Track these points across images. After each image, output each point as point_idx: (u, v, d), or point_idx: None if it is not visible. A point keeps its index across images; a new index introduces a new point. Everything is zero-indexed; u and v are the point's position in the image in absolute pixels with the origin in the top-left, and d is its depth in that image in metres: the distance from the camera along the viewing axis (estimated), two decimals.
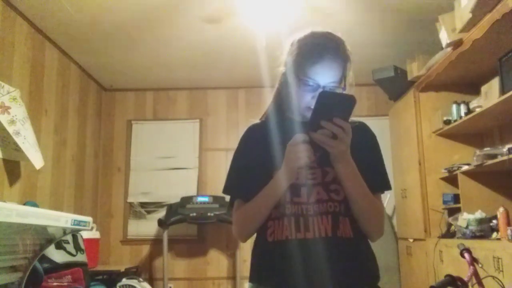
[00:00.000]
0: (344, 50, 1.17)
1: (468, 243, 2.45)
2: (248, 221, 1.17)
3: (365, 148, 1.19)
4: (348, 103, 1.01)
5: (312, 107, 1.04)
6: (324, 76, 1.11)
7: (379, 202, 1.18)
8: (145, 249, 4.82)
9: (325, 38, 1.16)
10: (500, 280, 2.15)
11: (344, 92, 1.13)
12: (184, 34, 3.70)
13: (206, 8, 3.28)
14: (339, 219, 1.10)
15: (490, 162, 2.94)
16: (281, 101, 1.25)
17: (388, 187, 1.22)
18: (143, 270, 4.71)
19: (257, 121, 1.31)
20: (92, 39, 3.79)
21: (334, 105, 1.01)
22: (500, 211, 2.79)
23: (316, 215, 1.09)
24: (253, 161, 1.19)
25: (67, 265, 3.04)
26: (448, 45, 3.10)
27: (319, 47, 1.13)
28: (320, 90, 1.10)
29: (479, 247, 2.70)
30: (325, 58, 1.11)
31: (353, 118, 1.20)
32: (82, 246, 3.35)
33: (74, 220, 1.72)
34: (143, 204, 4.93)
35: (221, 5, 3.23)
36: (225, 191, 1.24)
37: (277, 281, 1.10)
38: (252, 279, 1.19)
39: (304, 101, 1.14)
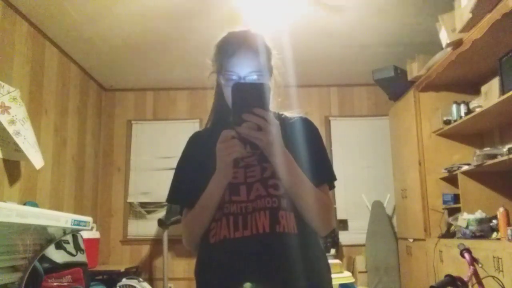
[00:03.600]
0: (263, 42, 1.18)
1: (468, 243, 2.45)
2: (193, 226, 1.15)
3: (307, 140, 1.17)
4: (262, 90, 0.99)
5: None
6: (243, 66, 1.11)
7: (325, 195, 1.14)
8: (145, 249, 4.82)
9: (242, 33, 1.18)
10: (500, 280, 2.15)
11: (255, 81, 1.11)
12: (185, 34, 3.71)
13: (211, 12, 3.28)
14: (279, 214, 1.07)
15: (490, 162, 2.94)
16: (217, 106, 1.26)
17: (333, 177, 1.18)
18: (143, 270, 4.71)
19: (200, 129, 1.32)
20: (92, 40, 3.79)
21: (250, 95, 0.98)
22: (500, 211, 2.79)
23: (254, 212, 1.07)
24: (195, 168, 1.17)
25: (67, 265, 3.04)
26: (448, 45, 3.10)
27: (235, 40, 1.14)
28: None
29: (479, 247, 2.70)
30: (241, 49, 1.12)
31: (293, 114, 1.22)
32: (82, 246, 3.35)
33: (74, 220, 1.72)
34: (143, 204, 4.93)
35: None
36: (170, 200, 1.23)
37: (215, 283, 1.07)
38: (196, 280, 1.17)
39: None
